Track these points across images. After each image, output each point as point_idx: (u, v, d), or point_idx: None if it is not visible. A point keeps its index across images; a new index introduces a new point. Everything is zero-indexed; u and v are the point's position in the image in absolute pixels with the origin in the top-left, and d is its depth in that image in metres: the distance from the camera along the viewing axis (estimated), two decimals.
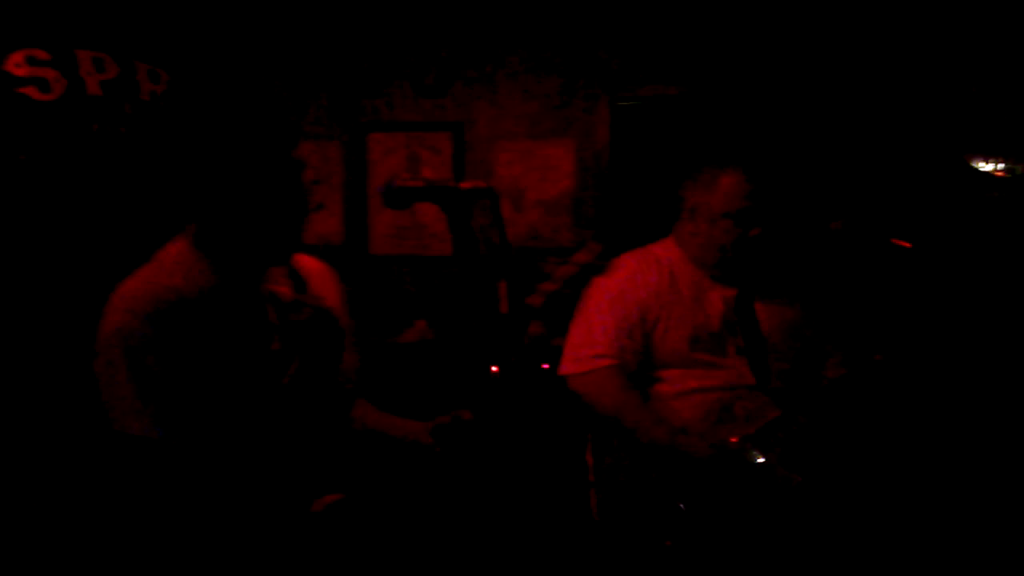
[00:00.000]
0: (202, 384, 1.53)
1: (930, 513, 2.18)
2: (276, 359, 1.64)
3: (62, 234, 2.89)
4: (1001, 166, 3.69)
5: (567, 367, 2.36)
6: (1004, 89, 3.52)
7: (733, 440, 2.10)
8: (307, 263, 1.85)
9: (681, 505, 2.07)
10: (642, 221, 2.88)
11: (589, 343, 2.32)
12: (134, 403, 1.49)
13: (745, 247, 2.31)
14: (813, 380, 2.42)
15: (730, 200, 2.30)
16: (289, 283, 1.75)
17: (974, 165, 3.65)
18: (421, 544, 1.68)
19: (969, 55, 3.54)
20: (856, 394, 2.33)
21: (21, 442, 2.61)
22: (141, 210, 3.20)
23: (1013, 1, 3.44)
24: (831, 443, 2.16)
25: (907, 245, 2.07)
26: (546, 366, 2.81)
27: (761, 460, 2.04)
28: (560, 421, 2.95)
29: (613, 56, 4.03)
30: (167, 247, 1.66)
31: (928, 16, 3.57)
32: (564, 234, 4.14)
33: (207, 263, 1.63)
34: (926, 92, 3.60)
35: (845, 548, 2.05)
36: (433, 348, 3.95)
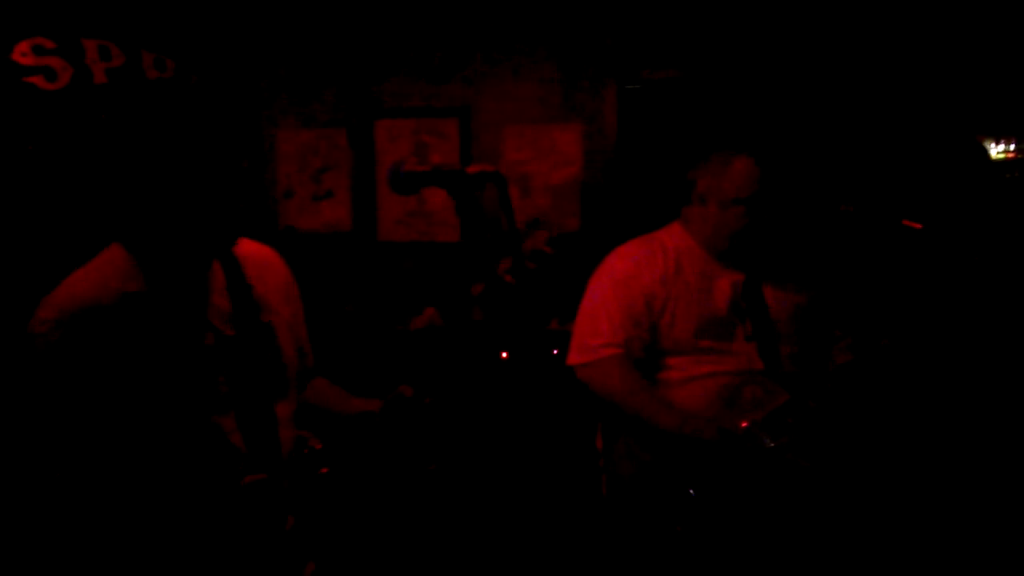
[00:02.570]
0: (118, 384, 1.53)
1: (939, 500, 2.17)
2: (208, 359, 1.63)
3: (70, 224, 2.90)
4: (1012, 147, 3.67)
5: (574, 357, 2.36)
6: (1016, 70, 3.49)
7: (742, 425, 2.09)
8: (251, 253, 1.79)
9: (691, 491, 2.06)
10: (650, 206, 2.87)
11: (594, 332, 2.31)
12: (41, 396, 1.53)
13: (756, 232, 2.30)
14: (823, 365, 2.41)
15: (741, 185, 2.28)
16: (223, 284, 1.71)
17: (986, 146, 3.62)
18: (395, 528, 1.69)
19: (981, 36, 3.51)
20: (866, 379, 2.32)
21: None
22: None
23: None
24: (840, 428, 2.15)
25: (918, 227, 2.05)
26: (556, 352, 2.81)
27: (770, 445, 2.03)
28: (570, 408, 2.95)
29: (620, 40, 4.00)
30: (103, 252, 1.65)
31: None
32: (572, 219, 4.13)
33: (137, 267, 1.61)
34: (938, 72, 3.56)
35: (854, 534, 2.05)
36: (442, 335, 3.95)
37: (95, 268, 1.62)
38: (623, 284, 2.32)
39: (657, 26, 3.94)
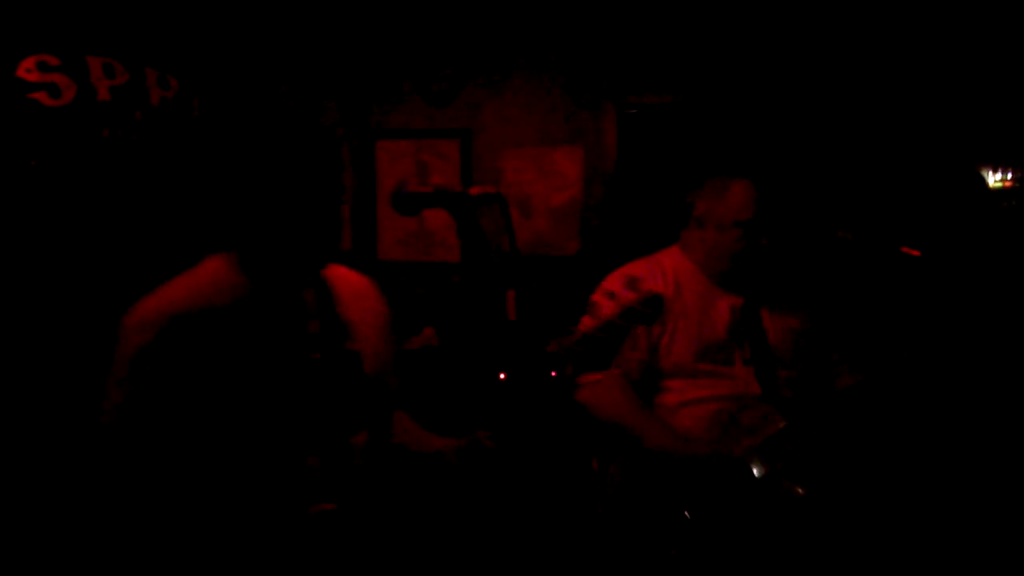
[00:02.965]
0: (211, 393, 1.52)
1: (936, 526, 2.17)
2: (295, 379, 1.62)
3: (71, 240, 2.90)
4: (1010, 175, 3.68)
5: None
6: (1014, 99, 3.51)
7: (738, 451, 2.09)
8: (345, 280, 1.80)
9: (686, 514, 2.06)
10: (649, 229, 2.88)
11: None
12: (120, 406, 1.52)
13: (754, 256, 2.31)
14: (821, 390, 2.41)
15: (740, 209, 2.29)
16: (314, 308, 1.70)
17: (983, 175, 3.64)
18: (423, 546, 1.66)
19: (980, 65, 3.54)
20: (863, 406, 2.32)
21: (24, 445, 2.62)
22: (151, 217, 3.20)
23: (1022, 10, 3.43)
24: (837, 455, 2.15)
25: (917, 254, 2.06)
26: (554, 374, 2.80)
27: (765, 471, 2.03)
28: (567, 429, 2.95)
29: (620, 64, 4.03)
30: (204, 261, 1.65)
31: (937, 23, 3.56)
32: (572, 242, 4.14)
33: (239, 279, 1.62)
34: (935, 100, 3.59)
35: (848, 561, 2.04)
36: (440, 355, 3.94)
37: (194, 277, 1.63)
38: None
39: (658, 52, 3.97)
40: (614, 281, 2.40)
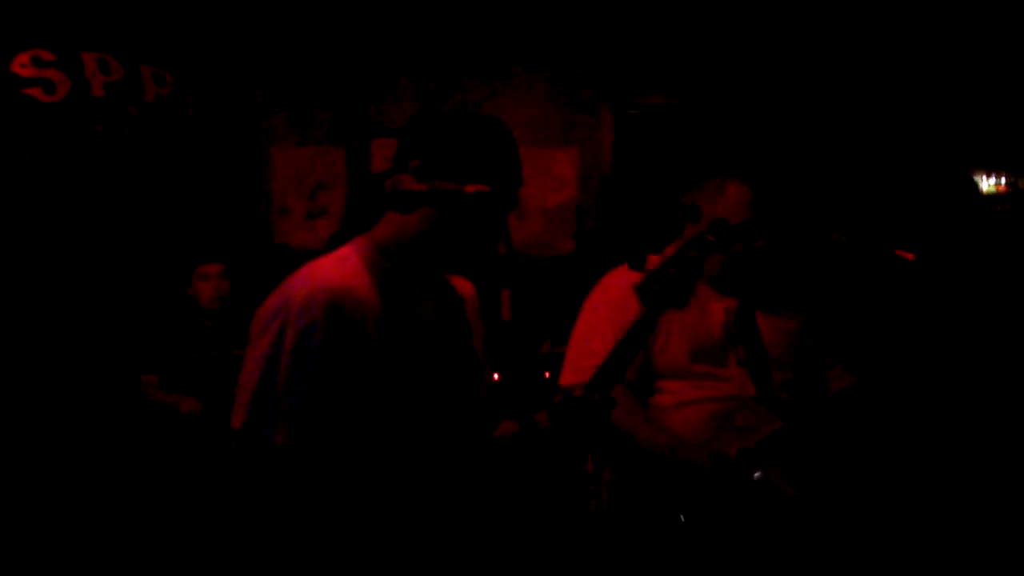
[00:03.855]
0: (361, 391, 1.46)
1: (932, 528, 2.17)
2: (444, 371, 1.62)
3: (65, 234, 2.89)
4: (1003, 180, 3.70)
5: (567, 377, 2.35)
6: (1007, 104, 3.52)
7: (732, 452, 2.09)
8: (462, 286, 1.80)
9: (682, 517, 2.05)
10: (645, 230, 2.88)
11: (588, 353, 2.31)
12: (281, 403, 1.39)
13: (749, 258, 2.30)
14: (815, 392, 2.41)
15: (735, 211, 2.29)
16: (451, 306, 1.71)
17: (976, 179, 3.65)
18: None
19: (973, 70, 3.55)
20: (858, 407, 2.32)
21: (21, 435, 2.61)
22: (144, 212, 3.19)
23: (1017, 16, 3.45)
24: (832, 457, 2.15)
25: (911, 257, 2.06)
26: (548, 375, 2.80)
27: (760, 473, 2.03)
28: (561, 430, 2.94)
29: (617, 66, 4.03)
30: (343, 249, 1.59)
31: (933, 29, 3.57)
32: (568, 242, 4.14)
33: (384, 265, 1.57)
34: (931, 106, 3.60)
35: (844, 563, 2.04)
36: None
37: (337, 259, 1.56)
38: (617, 306, 2.32)
39: (655, 53, 3.97)
40: (604, 281, 2.40)
